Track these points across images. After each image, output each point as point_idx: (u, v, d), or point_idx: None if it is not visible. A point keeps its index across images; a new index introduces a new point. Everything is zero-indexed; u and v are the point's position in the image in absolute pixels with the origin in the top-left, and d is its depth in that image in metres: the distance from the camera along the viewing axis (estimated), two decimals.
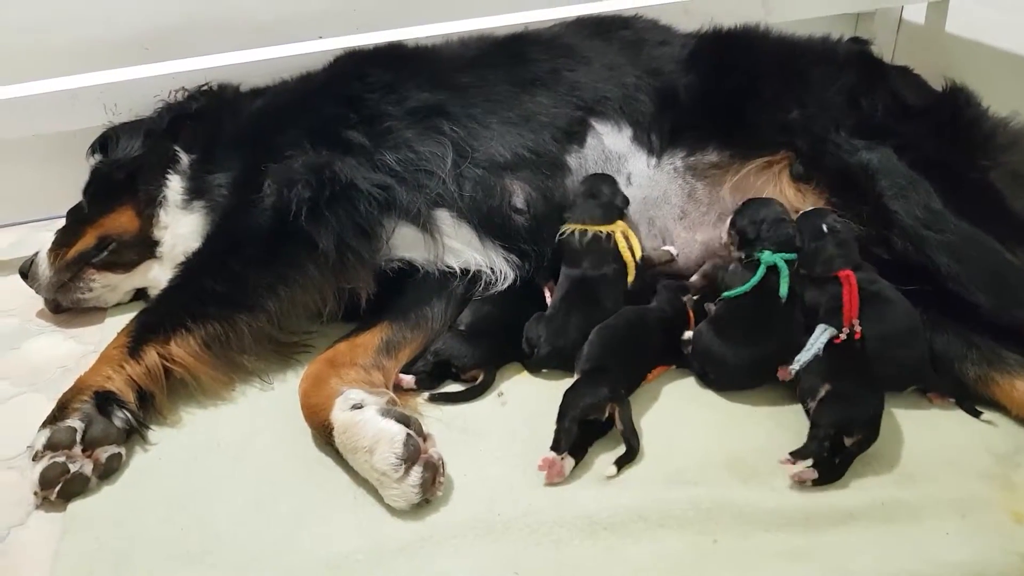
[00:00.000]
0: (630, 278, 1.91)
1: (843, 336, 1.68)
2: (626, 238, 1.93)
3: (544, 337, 1.83)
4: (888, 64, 2.22)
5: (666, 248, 2.02)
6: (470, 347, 1.84)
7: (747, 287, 1.77)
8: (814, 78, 2.07)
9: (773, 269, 1.77)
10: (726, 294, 1.80)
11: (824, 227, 1.81)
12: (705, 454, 1.63)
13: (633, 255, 1.92)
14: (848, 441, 1.55)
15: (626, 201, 1.99)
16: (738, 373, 1.75)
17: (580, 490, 1.56)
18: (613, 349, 1.76)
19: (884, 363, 1.68)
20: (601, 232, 1.92)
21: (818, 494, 1.54)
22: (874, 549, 1.44)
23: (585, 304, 1.86)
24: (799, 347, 1.69)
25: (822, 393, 1.62)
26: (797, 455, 1.54)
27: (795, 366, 1.67)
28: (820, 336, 1.67)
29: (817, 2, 2.78)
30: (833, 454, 1.56)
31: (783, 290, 1.75)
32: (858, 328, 1.69)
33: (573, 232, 1.93)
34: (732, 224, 1.90)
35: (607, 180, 2.00)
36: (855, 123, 1.96)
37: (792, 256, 1.80)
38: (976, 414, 1.69)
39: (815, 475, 1.53)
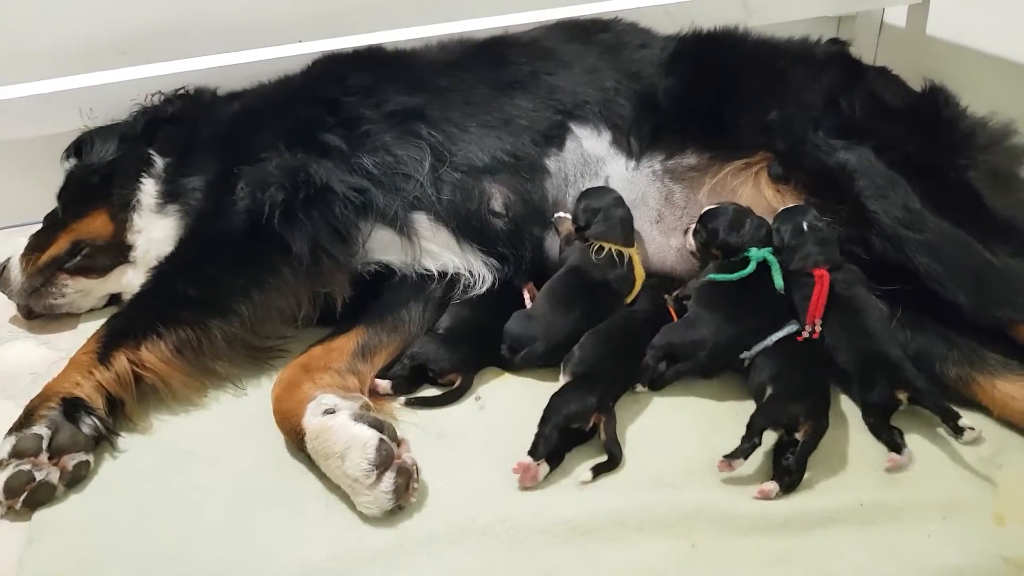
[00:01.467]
0: (630, 298, 1.92)
1: (805, 334, 1.70)
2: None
3: (540, 335, 1.81)
4: (867, 65, 2.22)
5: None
6: (448, 351, 1.82)
7: (738, 275, 1.77)
8: (793, 79, 2.07)
9: (763, 264, 1.78)
10: (714, 276, 1.80)
11: (804, 225, 1.82)
12: (685, 458, 1.62)
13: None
14: (798, 435, 1.54)
15: (632, 218, 1.99)
16: (710, 354, 1.73)
17: (558, 495, 1.54)
18: (606, 355, 1.74)
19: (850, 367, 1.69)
20: (626, 255, 1.92)
21: (798, 497, 1.52)
22: (854, 552, 1.43)
23: (590, 307, 1.84)
24: None
25: (765, 397, 1.62)
26: (730, 457, 1.53)
27: (750, 352, 1.70)
28: (777, 332, 1.69)
29: (798, 4, 2.77)
30: (784, 455, 1.55)
31: (778, 281, 1.75)
32: (818, 328, 1.70)
33: (609, 250, 1.90)
34: (711, 238, 1.88)
35: (613, 192, 1.99)
36: (834, 123, 1.96)
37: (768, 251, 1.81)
38: (959, 431, 1.62)
39: (777, 488, 1.51)
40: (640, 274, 1.93)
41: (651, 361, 1.75)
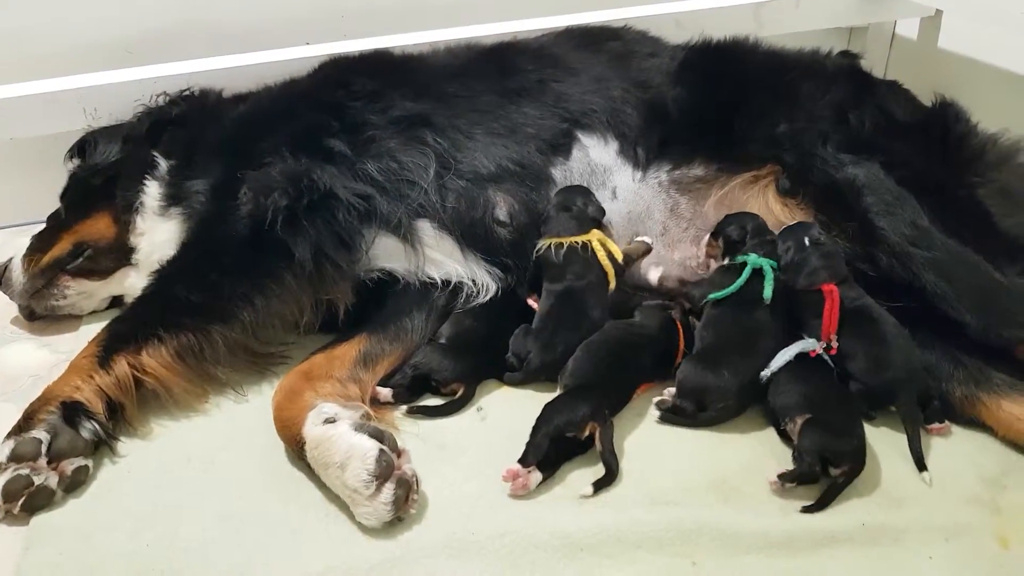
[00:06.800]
0: (611, 285, 1.90)
1: (819, 350, 1.68)
2: (604, 245, 1.91)
3: (534, 351, 1.80)
4: (877, 78, 2.21)
5: (641, 239, 1.99)
6: (451, 361, 1.81)
7: (734, 288, 1.75)
8: (803, 92, 2.06)
9: (758, 272, 1.76)
10: (712, 295, 1.78)
11: (807, 240, 1.81)
12: (688, 474, 1.61)
13: (614, 261, 1.90)
14: (835, 472, 1.53)
15: (601, 211, 1.97)
16: (739, 397, 1.70)
17: (558, 509, 1.53)
18: (599, 366, 1.73)
19: (869, 379, 1.67)
20: (577, 243, 1.89)
21: (800, 516, 1.51)
22: (856, 573, 1.42)
23: (572, 316, 1.83)
24: None
25: (800, 423, 1.59)
26: (785, 478, 1.52)
27: (766, 372, 1.68)
28: (792, 348, 1.68)
29: (809, 16, 2.77)
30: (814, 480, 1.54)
31: (767, 292, 1.73)
32: (835, 344, 1.69)
33: (550, 247, 1.90)
34: (715, 234, 1.88)
35: (579, 191, 1.98)
36: (843, 138, 1.95)
37: (775, 263, 1.79)
38: (921, 468, 1.60)
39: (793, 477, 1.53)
40: (605, 259, 1.89)
41: (685, 406, 1.71)
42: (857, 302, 1.75)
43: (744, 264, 1.79)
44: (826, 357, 1.71)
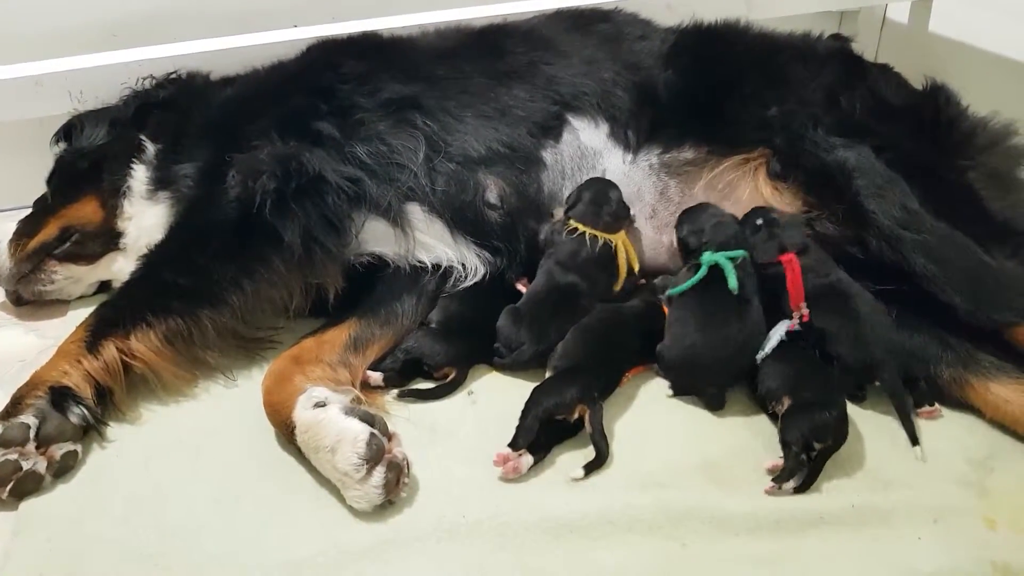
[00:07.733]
0: (618, 286, 1.90)
1: (795, 322, 1.69)
2: (626, 250, 1.92)
3: (527, 342, 1.79)
4: (868, 62, 2.21)
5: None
6: (442, 345, 1.80)
7: (687, 285, 1.75)
8: (794, 75, 2.05)
9: (717, 267, 1.76)
10: (670, 291, 1.79)
11: (759, 220, 1.82)
12: (677, 457, 1.61)
13: (629, 268, 1.91)
14: (819, 445, 1.54)
15: (628, 211, 1.96)
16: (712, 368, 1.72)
17: (548, 492, 1.53)
18: (589, 349, 1.74)
19: (847, 357, 1.67)
20: (611, 242, 1.89)
21: (790, 498, 1.52)
22: (845, 554, 1.43)
23: (568, 310, 1.83)
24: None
25: (784, 408, 1.60)
26: (780, 480, 1.52)
27: (760, 354, 1.69)
28: (778, 328, 1.69)
29: None
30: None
31: (732, 283, 1.72)
32: (805, 311, 1.69)
33: (583, 234, 1.88)
34: (678, 235, 1.89)
35: (612, 186, 1.96)
36: (834, 121, 1.94)
37: (737, 253, 1.78)
38: (915, 442, 1.62)
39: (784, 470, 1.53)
40: (624, 263, 1.90)
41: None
42: (829, 278, 1.74)
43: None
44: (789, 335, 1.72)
